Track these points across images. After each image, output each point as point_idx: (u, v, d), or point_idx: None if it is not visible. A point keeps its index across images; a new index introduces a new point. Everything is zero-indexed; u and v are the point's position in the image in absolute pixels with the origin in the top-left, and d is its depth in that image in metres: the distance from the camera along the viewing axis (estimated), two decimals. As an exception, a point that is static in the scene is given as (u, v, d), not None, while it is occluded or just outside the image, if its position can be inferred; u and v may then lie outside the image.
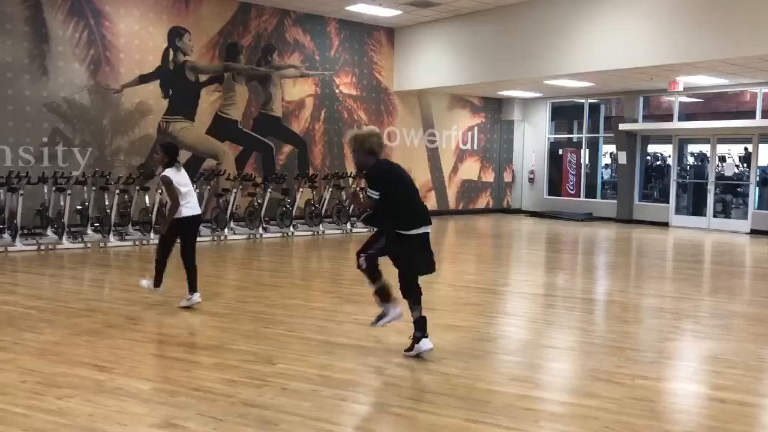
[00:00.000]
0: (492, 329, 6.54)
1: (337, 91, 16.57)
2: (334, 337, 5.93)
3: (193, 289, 7.00)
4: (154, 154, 7.13)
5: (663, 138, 18.01)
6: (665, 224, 16.99)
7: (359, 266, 5.41)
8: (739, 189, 16.82)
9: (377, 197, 5.25)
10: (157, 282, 7.08)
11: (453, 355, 5.37)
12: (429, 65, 16.75)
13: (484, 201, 20.15)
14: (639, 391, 4.61)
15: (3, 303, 7.20)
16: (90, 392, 4.43)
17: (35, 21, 12.38)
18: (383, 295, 5.45)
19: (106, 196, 11.98)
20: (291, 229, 13.73)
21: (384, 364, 5.17)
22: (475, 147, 19.77)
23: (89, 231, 12.01)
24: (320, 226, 14.13)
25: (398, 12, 15.42)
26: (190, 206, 6.92)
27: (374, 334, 5.90)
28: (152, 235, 12.00)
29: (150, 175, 12.44)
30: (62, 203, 11.39)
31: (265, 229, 13.46)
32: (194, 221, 7.02)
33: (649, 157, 18.88)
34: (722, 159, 17.17)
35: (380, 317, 5.52)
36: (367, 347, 5.61)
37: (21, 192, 10.89)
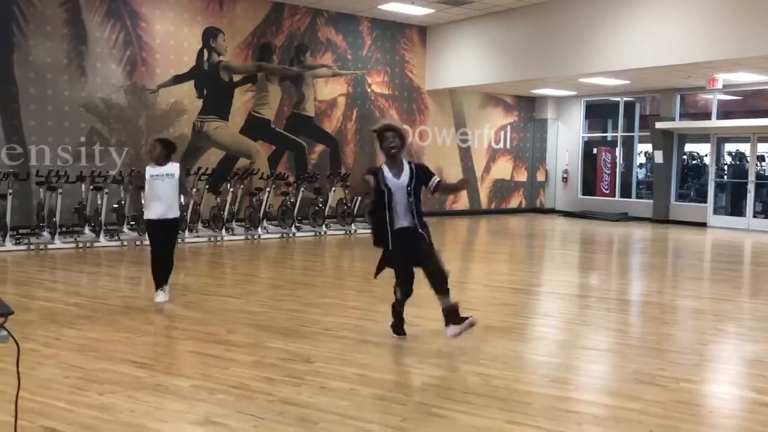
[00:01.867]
0: (529, 330, 6.46)
1: (369, 90, 16.57)
2: (371, 336, 5.91)
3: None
4: (150, 149, 7.13)
5: (700, 137, 17.67)
6: (703, 224, 16.66)
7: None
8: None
9: None
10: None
11: (491, 356, 5.32)
12: (461, 64, 16.65)
13: (516, 200, 19.98)
14: (683, 395, 4.51)
15: (44, 300, 7.33)
16: (131, 388, 4.48)
17: (74, 23, 12.59)
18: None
19: (142, 195, 12.11)
20: (323, 228, 13.76)
21: (421, 364, 5.14)
22: (508, 146, 19.62)
23: (126, 229, 12.17)
24: (352, 225, 14.14)
25: (431, 10, 15.36)
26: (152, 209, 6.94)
27: (411, 334, 5.87)
28: (187, 233, 12.13)
29: (186, 174, 12.53)
30: (99, 202, 11.57)
31: (297, 228, 13.52)
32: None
33: (685, 157, 18.54)
34: (761, 158, 16.79)
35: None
36: (404, 347, 5.58)
37: (60, 191, 11.09)
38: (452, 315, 5.41)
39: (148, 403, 4.23)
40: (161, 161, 6.90)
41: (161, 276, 6.96)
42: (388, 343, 5.69)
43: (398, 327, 5.77)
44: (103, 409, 4.12)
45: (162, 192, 6.84)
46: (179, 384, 4.58)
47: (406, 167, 5.51)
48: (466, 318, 5.41)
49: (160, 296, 6.90)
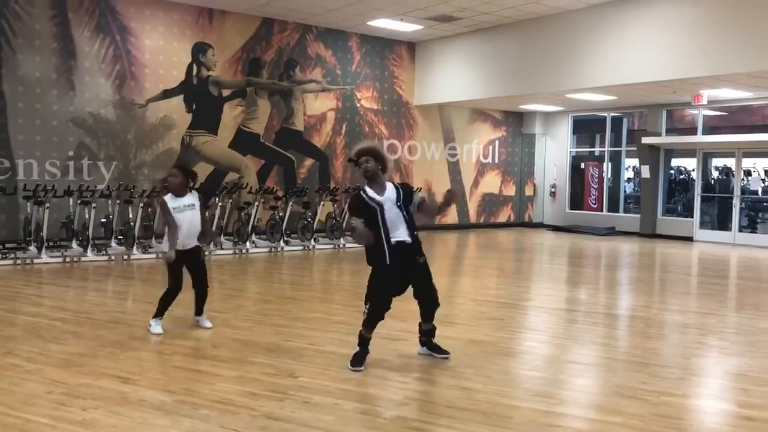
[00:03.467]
0: (514, 344, 6.49)
1: (358, 105, 16.66)
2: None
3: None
4: (169, 177, 6.46)
5: (687, 152, 17.85)
6: (689, 239, 16.79)
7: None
8: (765, 203, 16.59)
9: None
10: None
11: (475, 370, 5.34)
12: (450, 79, 16.79)
13: (505, 215, 20.07)
14: (664, 408, 4.54)
15: (29, 314, 7.30)
16: (114, 404, 4.47)
17: (63, 37, 12.62)
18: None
19: (130, 209, 12.11)
20: (312, 242, 13.77)
21: (405, 378, 5.15)
22: (496, 160, 19.74)
23: (113, 244, 12.13)
24: (341, 239, 14.16)
25: (419, 26, 15.49)
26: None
27: (396, 348, 5.89)
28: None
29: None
30: (87, 216, 11.54)
31: (286, 242, 13.52)
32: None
33: (672, 171, 18.71)
34: (747, 173, 16.97)
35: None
36: (389, 361, 5.59)
37: (47, 205, 11.06)
38: (432, 336, 5.62)
39: (132, 418, 4.22)
40: (181, 191, 6.41)
41: (166, 305, 6.51)
42: (372, 358, 5.69)
43: (362, 356, 5.35)
44: (86, 424, 4.11)
45: (183, 224, 6.36)
46: (163, 399, 4.57)
47: (389, 186, 5.39)
48: (446, 355, 5.60)
49: (156, 327, 6.42)
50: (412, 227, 5.35)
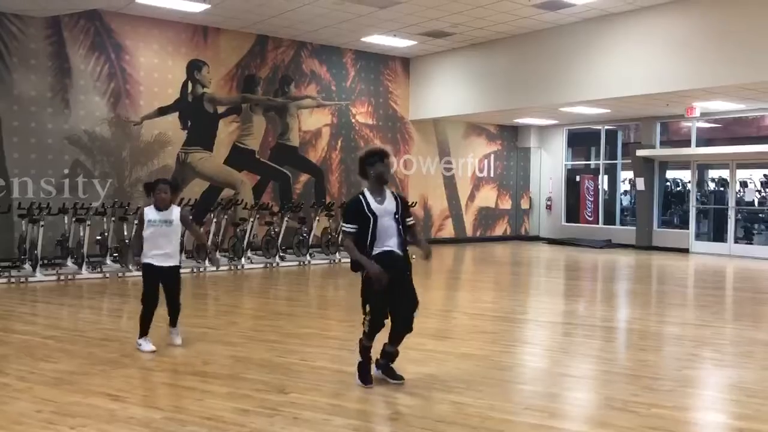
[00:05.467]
0: (507, 358, 6.48)
1: (353, 120, 16.73)
2: (348, 366, 5.88)
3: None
4: (159, 193, 6.34)
5: (681, 163, 17.91)
6: (685, 251, 16.80)
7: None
8: (760, 214, 16.63)
9: None
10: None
11: (467, 384, 5.33)
12: (444, 94, 16.87)
13: (501, 228, 20.09)
14: (654, 420, 4.53)
15: (22, 333, 7.28)
16: (102, 421, 4.45)
17: (58, 56, 12.70)
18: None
19: (125, 226, 12.11)
20: (308, 257, 13.77)
21: (397, 393, 5.14)
22: (492, 174, 19.78)
23: (108, 261, 12.13)
24: (336, 254, 14.16)
25: (413, 42, 15.59)
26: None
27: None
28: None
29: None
30: (82, 234, 11.54)
31: (281, 258, 13.52)
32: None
33: (669, 183, 18.76)
34: (743, 184, 17.01)
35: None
36: (380, 377, 5.57)
37: (42, 223, 11.07)
38: (392, 361, 5.37)
39: (119, 436, 4.21)
40: (164, 207, 6.36)
41: (147, 322, 6.45)
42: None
43: (367, 369, 5.26)
44: (73, 442, 4.10)
45: (157, 239, 6.30)
46: (152, 416, 4.56)
47: (389, 195, 5.23)
48: (400, 381, 5.30)
49: (146, 345, 6.35)
50: (403, 242, 5.22)
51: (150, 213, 6.35)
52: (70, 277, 11.27)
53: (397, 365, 5.44)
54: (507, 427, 4.42)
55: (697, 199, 17.24)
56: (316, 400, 4.91)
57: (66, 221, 11.95)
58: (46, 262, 11.68)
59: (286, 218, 13.73)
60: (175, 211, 6.45)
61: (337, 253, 14.16)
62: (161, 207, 6.36)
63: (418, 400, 5.01)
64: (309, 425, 4.40)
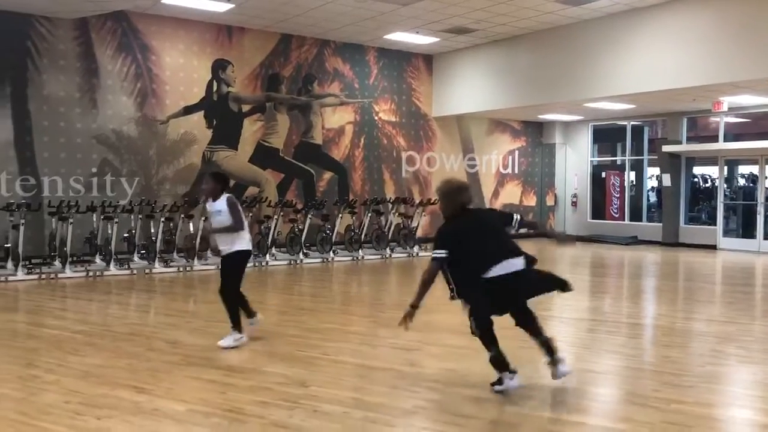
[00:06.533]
0: (527, 353, 6.45)
1: (376, 117, 16.78)
2: (368, 360, 5.97)
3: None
4: (202, 186, 6.79)
5: (708, 159, 17.66)
6: (713, 247, 16.57)
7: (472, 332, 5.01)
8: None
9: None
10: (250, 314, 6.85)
11: (485, 379, 5.34)
12: (468, 90, 16.84)
13: (526, 225, 19.94)
14: (674, 416, 4.52)
15: (51, 327, 7.46)
16: (128, 413, 4.56)
17: (86, 57, 12.93)
18: (497, 364, 5.04)
19: (151, 223, 12.31)
20: (331, 254, 13.86)
21: (416, 387, 5.18)
22: (516, 171, 19.70)
23: (136, 258, 12.34)
24: (360, 251, 14.23)
25: (436, 39, 15.59)
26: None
27: (408, 358, 5.92)
28: (196, 261, 12.28)
29: (194, 203, 12.72)
30: (110, 231, 11.76)
31: (305, 255, 13.62)
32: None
33: (697, 179, 18.51)
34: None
35: (497, 382, 5.08)
36: (400, 371, 5.63)
37: (71, 220, 11.29)
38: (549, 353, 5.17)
39: (144, 426, 4.31)
40: (213, 197, 6.61)
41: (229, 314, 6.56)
42: (384, 368, 5.74)
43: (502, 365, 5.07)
44: (99, 432, 4.21)
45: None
46: (176, 408, 4.66)
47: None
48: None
49: (224, 340, 6.42)
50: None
51: (207, 205, 6.76)
52: (98, 273, 11.49)
53: (418, 358, 5.49)
54: (525, 420, 4.44)
55: (725, 195, 16.99)
56: (336, 394, 4.97)
57: (94, 219, 12.18)
58: (75, 258, 11.91)
59: (309, 215, 13.83)
60: (224, 201, 6.56)
61: (360, 251, 14.23)
62: (210, 198, 6.66)
63: (436, 394, 5.05)
64: (328, 418, 4.47)
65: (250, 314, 6.85)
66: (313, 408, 4.65)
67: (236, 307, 6.57)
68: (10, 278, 10.81)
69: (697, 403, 4.88)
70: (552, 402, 4.84)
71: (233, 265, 6.62)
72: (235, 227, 6.51)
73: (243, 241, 6.60)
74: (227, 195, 6.60)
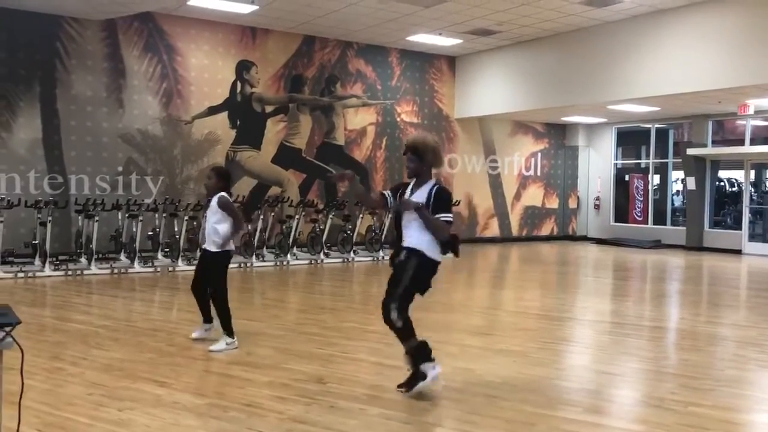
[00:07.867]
0: (545, 354, 6.47)
1: (398, 119, 16.83)
2: (386, 358, 6.00)
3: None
4: (204, 182, 6.67)
5: (735, 163, 17.44)
6: (738, 252, 16.37)
7: (393, 324, 4.90)
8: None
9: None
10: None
11: (501, 379, 5.37)
12: (490, 92, 16.83)
13: (548, 228, 19.90)
14: (690, 418, 4.50)
15: (76, 322, 7.61)
16: (149, 405, 4.66)
17: (113, 57, 13.16)
18: (425, 354, 4.87)
19: (175, 222, 12.48)
20: (352, 254, 13.93)
21: (432, 385, 5.21)
22: (539, 173, 19.62)
23: (160, 256, 12.51)
24: (380, 251, 14.29)
25: (459, 41, 15.60)
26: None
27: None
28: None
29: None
30: (134, 229, 11.95)
31: (326, 255, 13.71)
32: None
33: (723, 183, 18.29)
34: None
35: (414, 381, 4.87)
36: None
37: (96, 218, 11.50)
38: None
39: (164, 419, 4.40)
40: (212, 193, 6.44)
41: (200, 308, 6.61)
42: (402, 366, 5.76)
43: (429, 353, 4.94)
44: (121, 424, 4.31)
45: (206, 224, 6.46)
46: (195, 402, 4.75)
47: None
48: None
49: (196, 332, 6.60)
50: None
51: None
52: (123, 270, 11.67)
53: (436, 358, 5.50)
54: (540, 420, 4.46)
55: (752, 199, 16.76)
56: (353, 390, 5.02)
57: (120, 217, 12.38)
58: (100, 256, 12.10)
59: (330, 216, 13.92)
60: (215, 198, 6.36)
61: (380, 251, 14.28)
62: (210, 194, 6.49)
63: (452, 392, 5.08)
64: (344, 413, 4.52)
65: (208, 319, 6.62)
66: (330, 404, 4.71)
67: (228, 310, 6.38)
68: (38, 274, 11.03)
69: (715, 406, 4.86)
70: (567, 402, 4.85)
71: (224, 266, 6.44)
72: (240, 226, 6.46)
73: (232, 241, 6.50)
74: (219, 194, 6.32)
